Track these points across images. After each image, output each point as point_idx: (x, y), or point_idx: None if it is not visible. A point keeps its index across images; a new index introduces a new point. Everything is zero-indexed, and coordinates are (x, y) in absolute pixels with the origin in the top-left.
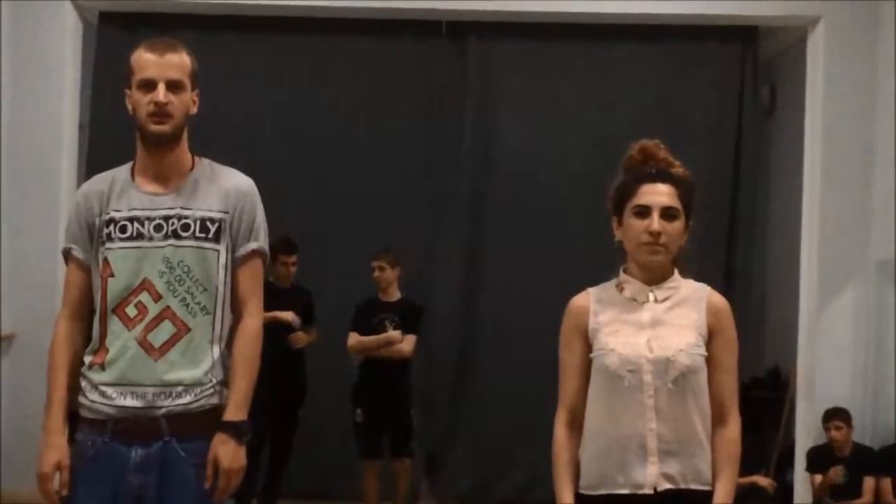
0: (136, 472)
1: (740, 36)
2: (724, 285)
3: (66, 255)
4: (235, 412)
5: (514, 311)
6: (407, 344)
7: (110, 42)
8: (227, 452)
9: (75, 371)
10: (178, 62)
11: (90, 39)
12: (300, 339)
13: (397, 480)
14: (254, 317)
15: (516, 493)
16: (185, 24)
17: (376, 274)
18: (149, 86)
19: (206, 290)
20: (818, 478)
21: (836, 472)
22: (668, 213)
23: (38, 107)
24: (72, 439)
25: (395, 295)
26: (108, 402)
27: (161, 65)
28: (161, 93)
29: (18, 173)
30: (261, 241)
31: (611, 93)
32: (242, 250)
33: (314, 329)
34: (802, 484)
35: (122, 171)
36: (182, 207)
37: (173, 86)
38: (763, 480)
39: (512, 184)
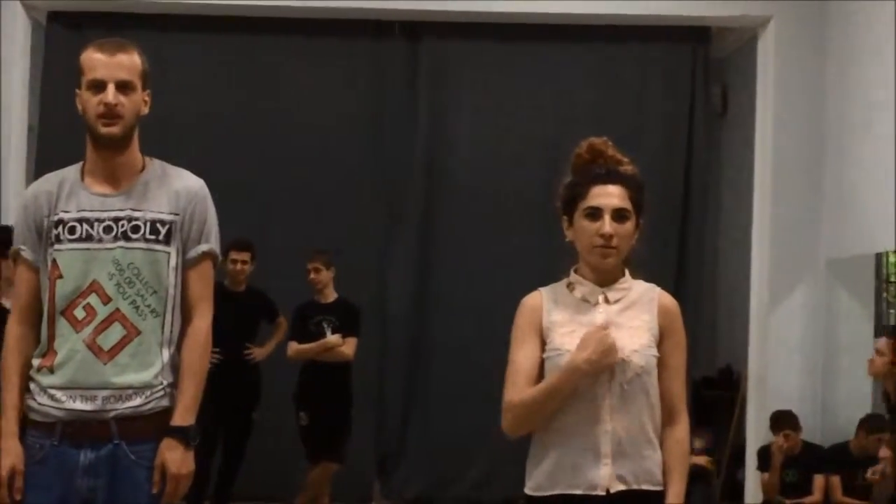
0: (86, 476)
1: (692, 36)
2: (675, 285)
3: (16, 256)
4: (183, 416)
5: (467, 312)
6: (348, 347)
7: (59, 42)
8: (175, 458)
9: (26, 375)
10: (129, 63)
11: (39, 40)
12: (257, 354)
13: (318, 483)
14: (203, 319)
15: (470, 492)
16: (135, 23)
17: (312, 276)
18: (98, 87)
19: (155, 292)
20: (767, 476)
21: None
22: (619, 215)
23: None
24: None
25: (331, 296)
26: (57, 406)
27: (111, 65)
28: (110, 94)
29: None
30: (212, 243)
31: (563, 93)
32: (193, 252)
33: (279, 330)
34: (753, 482)
35: (72, 172)
36: (132, 209)
37: (123, 86)
38: (700, 459)
39: (464, 184)
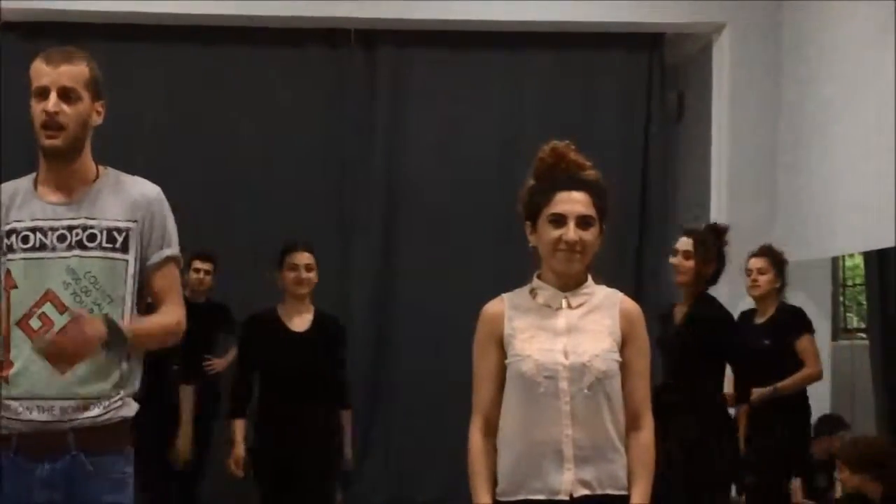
0: (43, 489)
1: (646, 43)
2: (634, 291)
3: None
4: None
5: (428, 320)
6: None
7: (13, 53)
8: (77, 324)
9: None
10: (73, 71)
11: None
12: (217, 364)
13: None
14: (177, 308)
15: (437, 498)
16: (89, 33)
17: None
18: (42, 94)
19: (112, 301)
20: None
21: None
22: (583, 221)
23: None
24: None
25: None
26: (14, 417)
27: (54, 74)
28: (51, 101)
29: None
30: (174, 248)
31: (519, 101)
32: (156, 257)
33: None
34: None
35: (25, 182)
36: (87, 217)
37: (66, 95)
38: None
39: (422, 189)
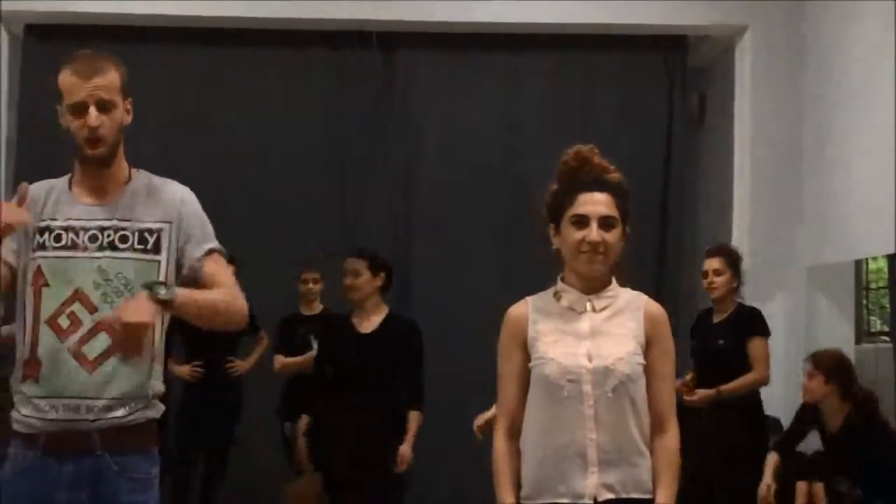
0: (68, 488)
1: (668, 45)
2: (655, 294)
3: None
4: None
5: (441, 321)
6: None
7: (36, 55)
8: (131, 304)
9: None
10: (106, 83)
11: (16, 53)
12: (240, 366)
13: (302, 496)
14: (231, 288)
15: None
16: (112, 36)
17: (310, 286)
18: (80, 109)
19: None
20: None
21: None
22: (606, 223)
23: None
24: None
25: (317, 308)
26: (40, 416)
27: (89, 88)
28: (93, 117)
29: None
30: (215, 243)
31: (540, 103)
32: (199, 251)
33: (260, 345)
34: None
35: (61, 182)
36: (119, 219)
37: (103, 107)
38: None
39: (438, 193)
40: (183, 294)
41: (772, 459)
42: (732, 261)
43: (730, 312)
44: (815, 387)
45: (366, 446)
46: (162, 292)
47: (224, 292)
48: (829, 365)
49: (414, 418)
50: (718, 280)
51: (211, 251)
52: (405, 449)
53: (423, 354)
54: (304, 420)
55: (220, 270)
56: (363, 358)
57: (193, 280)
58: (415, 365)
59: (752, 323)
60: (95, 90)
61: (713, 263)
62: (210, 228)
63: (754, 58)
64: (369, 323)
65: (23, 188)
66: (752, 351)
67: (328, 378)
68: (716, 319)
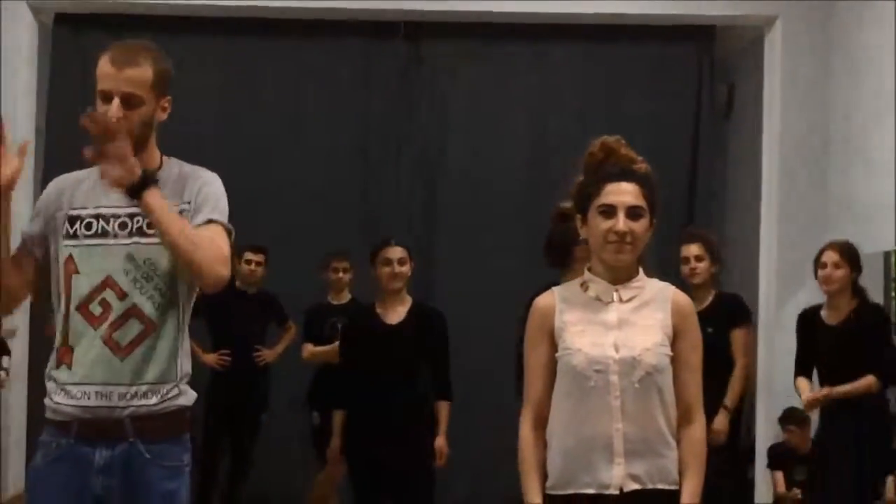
0: (100, 475)
1: (697, 36)
2: (682, 286)
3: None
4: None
5: (467, 313)
6: None
7: (66, 44)
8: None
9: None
10: (137, 76)
11: (46, 42)
12: (267, 356)
13: (327, 485)
14: (219, 242)
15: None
16: (141, 25)
17: (340, 275)
18: (106, 98)
19: (172, 287)
20: (779, 475)
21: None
22: (633, 212)
23: None
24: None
25: (346, 298)
26: (72, 403)
27: (118, 79)
28: (114, 108)
29: None
30: (216, 215)
31: (567, 94)
32: (199, 219)
33: (288, 334)
34: (763, 481)
35: (93, 171)
36: None
37: (127, 101)
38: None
39: (464, 185)
40: (159, 194)
41: (803, 384)
42: (709, 246)
43: (711, 300)
44: (841, 276)
45: (395, 439)
46: (148, 175)
47: (204, 237)
48: (852, 254)
49: (444, 410)
50: (701, 266)
51: (210, 221)
52: (441, 442)
53: (449, 345)
54: (340, 415)
55: (213, 235)
56: (390, 349)
57: None
58: (442, 356)
59: (737, 309)
60: (122, 83)
61: (692, 249)
62: (222, 206)
63: (783, 48)
64: (395, 313)
65: (24, 144)
66: (736, 341)
67: (355, 369)
68: (696, 308)
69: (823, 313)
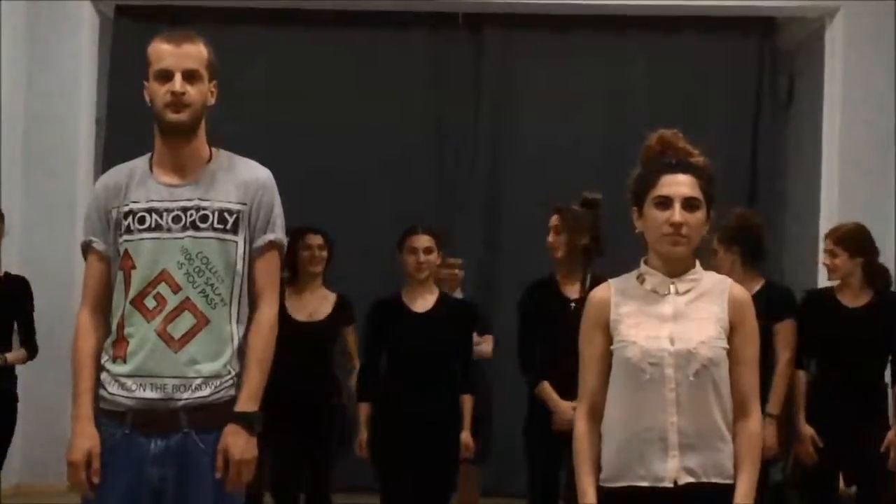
0: (156, 465)
1: (757, 27)
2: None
3: (87, 247)
4: (247, 403)
5: None
6: (487, 344)
7: (126, 36)
8: (238, 444)
9: (99, 361)
10: (195, 52)
11: (107, 34)
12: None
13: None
14: (270, 307)
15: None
16: (201, 17)
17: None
18: (165, 76)
19: (224, 281)
20: None
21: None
22: (689, 204)
23: (56, 102)
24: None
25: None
26: (127, 395)
27: (178, 55)
28: (178, 83)
29: (36, 168)
30: (277, 233)
31: (627, 85)
32: (260, 241)
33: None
34: None
35: (141, 163)
36: (200, 199)
37: (190, 76)
38: None
39: (527, 177)
40: (255, 396)
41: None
42: (846, 241)
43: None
44: (840, 263)
45: (424, 431)
46: (257, 425)
47: (260, 332)
48: (848, 239)
49: (468, 403)
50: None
51: (270, 244)
52: (466, 436)
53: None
54: (365, 407)
55: (267, 273)
56: (419, 338)
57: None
58: (467, 348)
59: (780, 303)
60: (184, 58)
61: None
62: (278, 216)
63: (845, 39)
64: (424, 302)
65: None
66: (780, 332)
67: (382, 359)
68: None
69: (839, 296)
